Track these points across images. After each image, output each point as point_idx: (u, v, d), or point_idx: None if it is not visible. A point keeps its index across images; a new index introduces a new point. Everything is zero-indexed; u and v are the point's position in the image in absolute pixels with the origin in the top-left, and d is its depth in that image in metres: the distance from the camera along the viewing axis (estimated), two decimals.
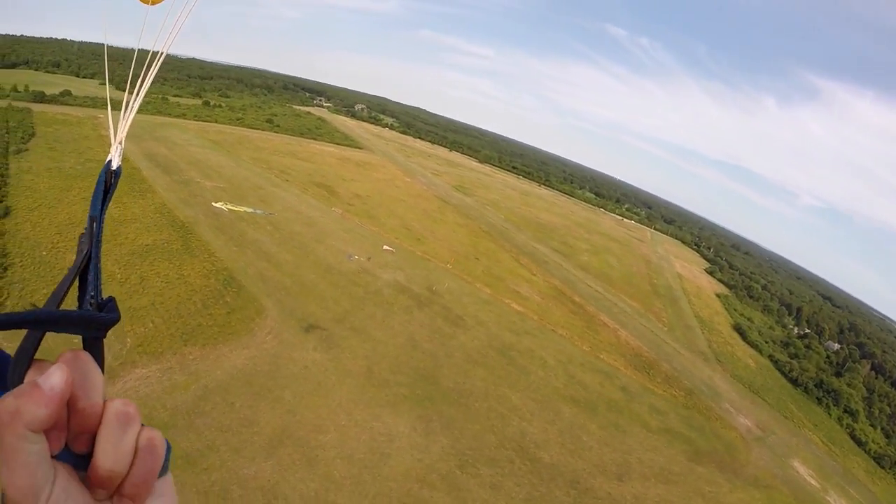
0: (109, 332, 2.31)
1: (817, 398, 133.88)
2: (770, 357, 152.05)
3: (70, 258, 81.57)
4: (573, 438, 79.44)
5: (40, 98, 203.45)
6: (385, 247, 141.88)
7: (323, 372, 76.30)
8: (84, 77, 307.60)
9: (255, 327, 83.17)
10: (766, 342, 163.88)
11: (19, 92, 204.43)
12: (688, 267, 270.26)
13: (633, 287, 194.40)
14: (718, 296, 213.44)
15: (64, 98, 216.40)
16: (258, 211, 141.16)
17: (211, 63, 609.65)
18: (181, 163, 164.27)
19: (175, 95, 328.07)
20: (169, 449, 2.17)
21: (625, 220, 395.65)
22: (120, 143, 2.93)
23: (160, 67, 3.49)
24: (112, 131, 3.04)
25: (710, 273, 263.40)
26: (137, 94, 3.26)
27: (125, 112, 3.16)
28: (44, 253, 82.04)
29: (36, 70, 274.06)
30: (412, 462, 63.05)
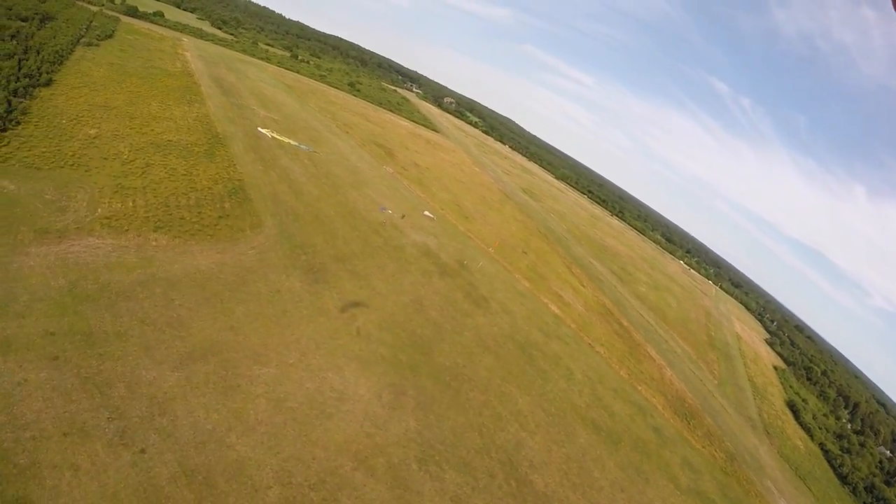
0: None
1: (864, 503, 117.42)
2: (821, 445, 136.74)
3: (88, 133, 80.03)
4: (582, 470, 60.90)
5: (132, 12, 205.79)
6: (426, 212, 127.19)
7: (295, 302, 61.64)
8: (184, 9, 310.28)
9: (242, 238, 70.85)
10: (820, 428, 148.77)
11: (113, 2, 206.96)
12: (748, 332, 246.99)
13: (689, 332, 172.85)
14: (776, 368, 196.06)
15: (155, 17, 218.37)
16: (302, 146, 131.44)
17: (312, 28, 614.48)
18: (244, 91, 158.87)
19: (267, 44, 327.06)
20: None
21: (692, 270, 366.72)
22: None
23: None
24: None
25: (770, 345, 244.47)
26: None
27: None
28: (63, 121, 78.76)
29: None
30: (358, 434, 46.96)
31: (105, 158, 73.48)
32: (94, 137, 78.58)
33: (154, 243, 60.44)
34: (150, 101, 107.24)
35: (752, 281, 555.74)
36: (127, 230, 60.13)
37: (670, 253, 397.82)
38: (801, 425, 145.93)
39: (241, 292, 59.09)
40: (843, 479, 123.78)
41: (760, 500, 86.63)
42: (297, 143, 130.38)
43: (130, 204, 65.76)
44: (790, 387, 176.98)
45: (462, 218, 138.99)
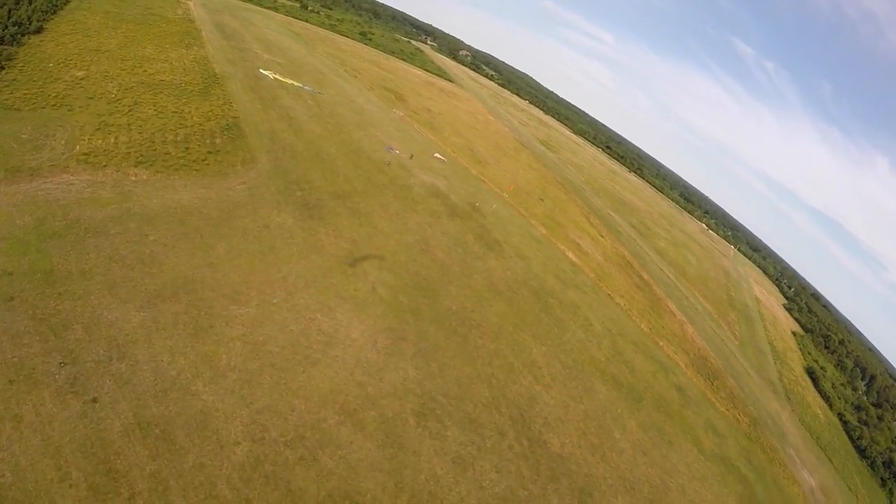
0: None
1: (882, 479, 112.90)
2: (839, 415, 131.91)
3: (75, 75, 72.82)
4: (601, 430, 54.83)
5: None
6: (437, 154, 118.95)
7: (285, 238, 55.15)
8: None
9: (232, 173, 64.64)
10: (839, 398, 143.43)
11: None
12: (766, 296, 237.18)
13: (709, 290, 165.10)
14: (794, 334, 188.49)
15: None
16: (306, 87, 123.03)
17: None
18: (248, 36, 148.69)
19: None
20: None
21: (710, 230, 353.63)
22: None
23: None
24: None
25: (788, 310, 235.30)
26: None
27: None
28: (50, 65, 72.96)
29: None
30: (347, 383, 40.68)
31: (90, 98, 67.42)
32: (82, 79, 72.45)
33: (133, 178, 54.93)
34: (145, 44, 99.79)
35: (768, 247, 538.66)
36: (105, 166, 54.83)
37: (688, 213, 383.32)
38: (821, 393, 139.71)
39: (225, 227, 52.73)
40: (861, 451, 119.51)
41: (784, 470, 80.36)
42: (300, 85, 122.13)
43: (112, 140, 60.04)
44: (808, 353, 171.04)
45: (475, 162, 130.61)
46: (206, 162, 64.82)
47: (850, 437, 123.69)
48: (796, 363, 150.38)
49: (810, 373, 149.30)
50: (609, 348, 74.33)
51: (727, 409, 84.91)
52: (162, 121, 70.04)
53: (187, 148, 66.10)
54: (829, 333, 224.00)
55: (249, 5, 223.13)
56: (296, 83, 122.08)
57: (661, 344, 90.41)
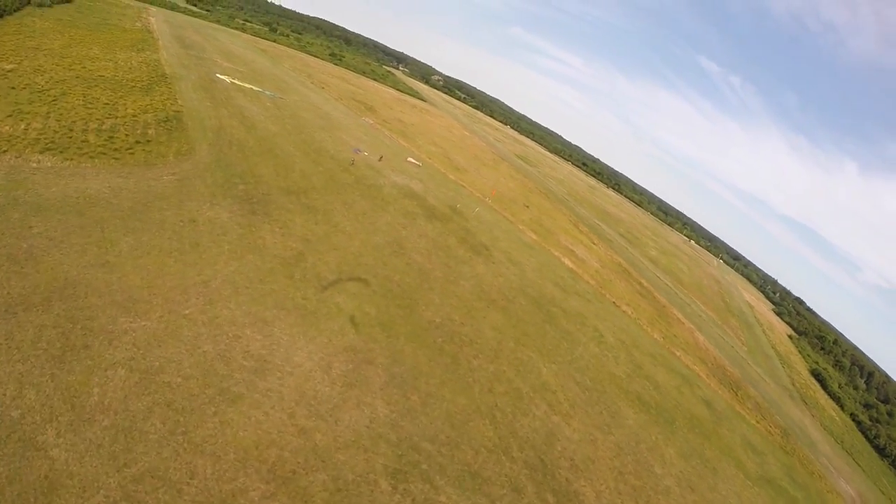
0: None
1: None
2: (852, 416, 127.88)
3: (3, 68, 60.63)
4: (640, 466, 42.11)
5: None
6: (410, 159, 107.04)
7: (215, 235, 41.72)
8: None
9: (160, 164, 52.99)
10: (848, 398, 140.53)
11: None
12: (756, 301, 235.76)
13: (706, 297, 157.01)
14: (790, 337, 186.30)
15: None
16: (267, 92, 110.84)
17: (295, 11, 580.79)
18: (210, 48, 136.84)
19: (245, 20, 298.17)
20: None
21: (691, 241, 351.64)
22: None
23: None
24: None
25: (779, 315, 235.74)
26: None
27: None
28: None
29: None
30: (284, 430, 27.74)
31: (13, 88, 57.67)
32: (9, 71, 62.99)
33: (35, 165, 43.83)
34: (91, 46, 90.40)
35: (744, 257, 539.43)
36: (5, 151, 44.57)
37: (669, 225, 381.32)
38: (830, 395, 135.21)
39: (137, 220, 39.62)
40: (880, 451, 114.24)
41: (825, 483, 70.79)
42: (260, 89, 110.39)
43: (22, 127, 49.80)
44: (808, 356, 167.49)
45: (453, 168, 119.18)
46: (130, 151, 52.91)
47: (867, 437, 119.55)
48: (801, 366, 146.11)
49: (816, 375, 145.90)
50: (627, 362, 61.97)
51: (757, 422, 74.75)
52: (89, 111, 59.23)
53: (112, 137, 54.64)
54: (822, 334, 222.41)
55: (216, 25, 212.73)
56: (255, 87, 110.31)
57: (677, 354, 79.00)
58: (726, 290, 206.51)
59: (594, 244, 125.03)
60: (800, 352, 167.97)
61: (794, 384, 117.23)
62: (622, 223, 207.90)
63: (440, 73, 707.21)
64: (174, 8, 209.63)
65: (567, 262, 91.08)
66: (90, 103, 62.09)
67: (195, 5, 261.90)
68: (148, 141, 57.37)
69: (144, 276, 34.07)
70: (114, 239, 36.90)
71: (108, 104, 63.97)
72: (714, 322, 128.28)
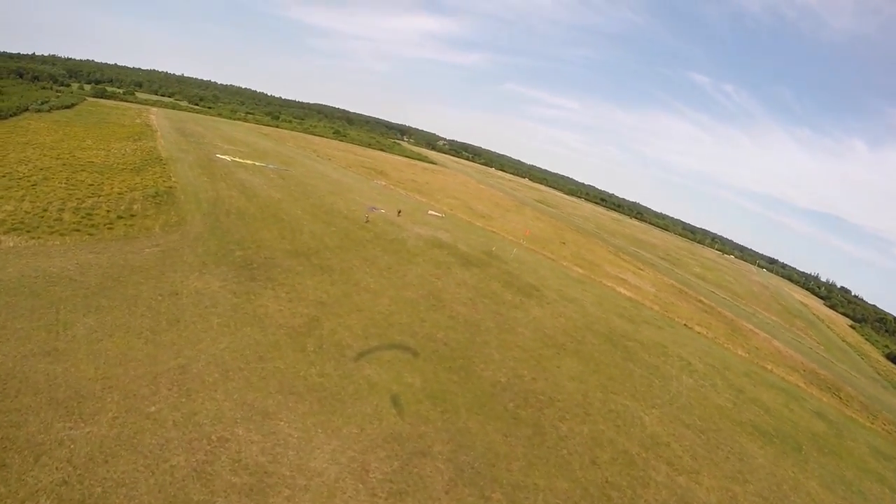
0: None
1: None
2: None
3: None
4: None
5: (100, 93, 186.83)
6: (431, 211, 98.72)
7: (202, 307, 32.84)
8: (161, 95, 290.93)
9: (143, 236, 45.81)
10: None
11: (83, 89, 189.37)
12: (807, 299, 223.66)
13: (763, 304, 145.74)
14: (852, 327, 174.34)
15: (125, 95, 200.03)
16: (270, 165, 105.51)
17: (296, 100, 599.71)
18: (210, 135, 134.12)
19: (247, 112, 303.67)
20: None
21: (725, 254, 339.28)
22: None
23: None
24: None
25: (832, 307, 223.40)
26: None
27: None
28: None
29: (119, 88, 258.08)
30: None
31: None
32: None
33: None
34: (84, 139, 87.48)
35: (778, 259, 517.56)
36: None
37: (698, 243, 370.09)
38: None
39: (104, 298, 30.99)
40: None
41: None
42: (263, 164, 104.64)
43: None
44: (876, 341, 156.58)
45: (477, 216, 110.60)
46: (109, 227, 45.76)
47: None
48: (876, 353, 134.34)
49: (893, 359, 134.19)
50: (726, 389, 50.20)
51: (871, 423, 62.53)
52: (69, 192, 53.25)
53: (90, 214, 47.79)
54: (880, 317, 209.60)
55: (218, 118, 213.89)
56: (257, 163, 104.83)
57: (768, 367, 67.43)
58: (777, 293, 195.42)
59: (641, 270, 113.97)
60: (867, 339, 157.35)
61: (878, 373, 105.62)
62: (657, 248, 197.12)
63: (444, 139, 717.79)
64: (176, 107, 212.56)
65: (623, 290, 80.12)
66: (72, 186, 56.23)
67: (196, 104, 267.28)
68: (132, 216, 50.26)
69: (100, 364, 24.58)
70: (69, 321, 27.88)
71: (91, 185, 58.17)
72: (782, 327, 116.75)
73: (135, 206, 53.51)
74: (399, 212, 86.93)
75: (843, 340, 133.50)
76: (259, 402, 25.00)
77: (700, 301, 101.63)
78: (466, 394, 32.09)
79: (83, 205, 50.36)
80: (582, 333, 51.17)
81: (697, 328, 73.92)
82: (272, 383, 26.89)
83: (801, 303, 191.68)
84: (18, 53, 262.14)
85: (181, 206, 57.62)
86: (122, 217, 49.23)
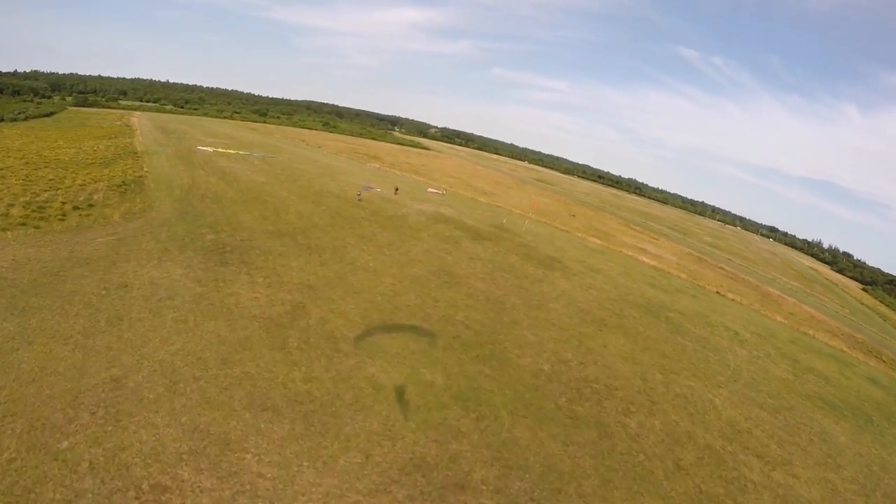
0: None
1: None
2: None
3: None
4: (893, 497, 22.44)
5: (81, 102, 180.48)
6: (430, 189, 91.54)
7: (155, 300, 26.36)
8: (147, 101, 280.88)
9: (98, 226, 38.75)
10: None
11: (65, 100, 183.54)
12: (815, 264, 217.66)
13: (779, 270, 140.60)
14: (864, 290, 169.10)
15: (108, 102, 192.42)
16: (255, 154, 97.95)
17: (285, 99, 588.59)
18: (193, 132, 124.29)
19: (234, 111, 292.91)
20: None
21: (727, 225, 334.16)
22: None
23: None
24: None
25: (841, 272, 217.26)
26: None
27: None
28: None
29: (102, 97, 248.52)
30: None
31: None
32: None
33: None
34: (56, 140, 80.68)
35: (778, 228, 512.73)
36: None
37: (699, 214, 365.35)
38: None
39: (34, 296, 24.52)
40: None
41: None
42: (247, 153, 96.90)
43: None
44: (890, 303, 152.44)
45: (479, 193, 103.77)
46: (61, 218, 39.04)
47: None
48: (893, 315, 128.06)
49: None
50: (781, 359, 43.95)
51: None
52: (25, 187, 46.64)
53: (43, 207, 41.14)
54: (890, 280, 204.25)
55: (204, 117, 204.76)
56: (241, 152, 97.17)
57: (810, 333, 61.42)
58: (787, 260, 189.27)
59: (655, 239, 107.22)
60: (881, 301, 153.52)
61: None
62: (662, 219, 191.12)
63: (436, 127, 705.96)
64: (160, 111, 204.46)
65: (645, 260, 73.67)
66: (30, 182, 49.35)
67: (182, 108, 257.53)
68: (90, 205, 43.37)
69: (8, 382, 18.08)
70: None
71: (52, 180, 51.25)
72: (804, 292, 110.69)
73: (95, 197, 46.58)
74: (396, 189, 79.82)
75: (861, 303, 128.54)
76: (217, 425, 17.84)
77: (721, 268, 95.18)
78: (505, 390, 25.01)
79: (37, 199, 43.26)
80: (619, 306, 44.20)
81: (730, 295, 67.51)
82: (238, 396, 19.75)
83: (811, 268, 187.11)
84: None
85: (149, 193, 50.66)
86: (78, 208, 42.27)
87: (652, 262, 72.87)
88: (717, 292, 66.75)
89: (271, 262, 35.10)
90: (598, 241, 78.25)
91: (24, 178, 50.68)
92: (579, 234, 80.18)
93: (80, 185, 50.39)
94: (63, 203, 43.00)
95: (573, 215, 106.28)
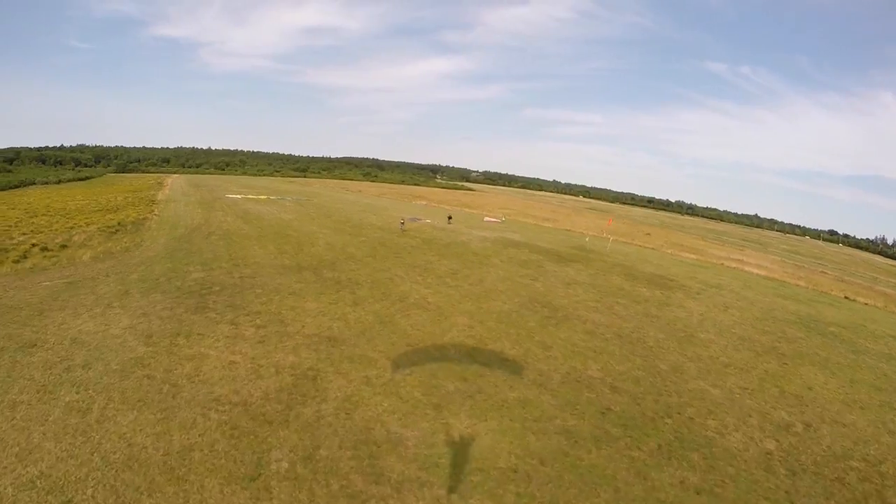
0: None
1: None
2: None
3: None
4: None
5: (123, 168, 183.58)
6: (487, 218, 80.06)
7: (62, 370, 12.39)
8: (189, 167, 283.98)
9: (54, 268, 29.04)
10: None
11: (106, 168, 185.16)
12: (888, 260, 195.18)
13: (868, 269, 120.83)
14: None
15: (147, 168, 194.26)
16: (288, 198, 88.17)
17: (323, 157, 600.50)
18: (226, 184, 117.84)
19: (275, 170, 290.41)
20: None
21: (788, 234, 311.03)
22: None
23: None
24: None
25: None
26: None
27: None
28: None
29: (145, 166, 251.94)
30: None
31: None
32: None
33: None
34: (76, 195, 75.96)
35: (836, 231, 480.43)
36: None
37: (757, 227, 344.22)
38: None
39: None
40: None
41: None
42: (279, 197, 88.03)
43: None
44: None
45: (541, 220, 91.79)
46: (18, 260, 30.54)
47: None
48: None
49: None
50: None
51: None
52: (6, 231, 39.85)
53: (4, 249, 33.19)
54: None
55: (243, 176, 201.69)
56: (273, 197, 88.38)
57: None
58: (865, 259, 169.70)
59: (742, 250, 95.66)
60: None
61: None
62: (730, 234, 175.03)
63: (477, 171, 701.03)
64: (200, 172, 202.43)
65: (754, 270, 60.72)
66: (14, 227, 42.49)
67: (222, 171, 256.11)
68: (63, 247, 34.00)
69: None
70: None
71: (40, 225, 44.40)
72: None
73: (74, 238, 37.11)
74: (450, 218, 68.38)
75: None
76: None
77: (825, 273, 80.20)
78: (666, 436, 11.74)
79: (8, 241, 34.91)
80: (775, 326, 30.39)
81: (861, 300, 53.22)
82: None
83: (890, 264, 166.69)
84: (45, 147, 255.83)
85: (145, 233, 40.77)
86: (47, 250, 32.69)
87: (762, 273, 59.40)
88: (846, 297, 52.82)
89: (275, 305, 22.95)
90: (692, 256, 64.73)
91: (11, 224, 43.36)
92: (668, 251, 66.65)
93: (68, 229, 41.97)
94: (33, 245, 33.71)
95: (648, 234, 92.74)
